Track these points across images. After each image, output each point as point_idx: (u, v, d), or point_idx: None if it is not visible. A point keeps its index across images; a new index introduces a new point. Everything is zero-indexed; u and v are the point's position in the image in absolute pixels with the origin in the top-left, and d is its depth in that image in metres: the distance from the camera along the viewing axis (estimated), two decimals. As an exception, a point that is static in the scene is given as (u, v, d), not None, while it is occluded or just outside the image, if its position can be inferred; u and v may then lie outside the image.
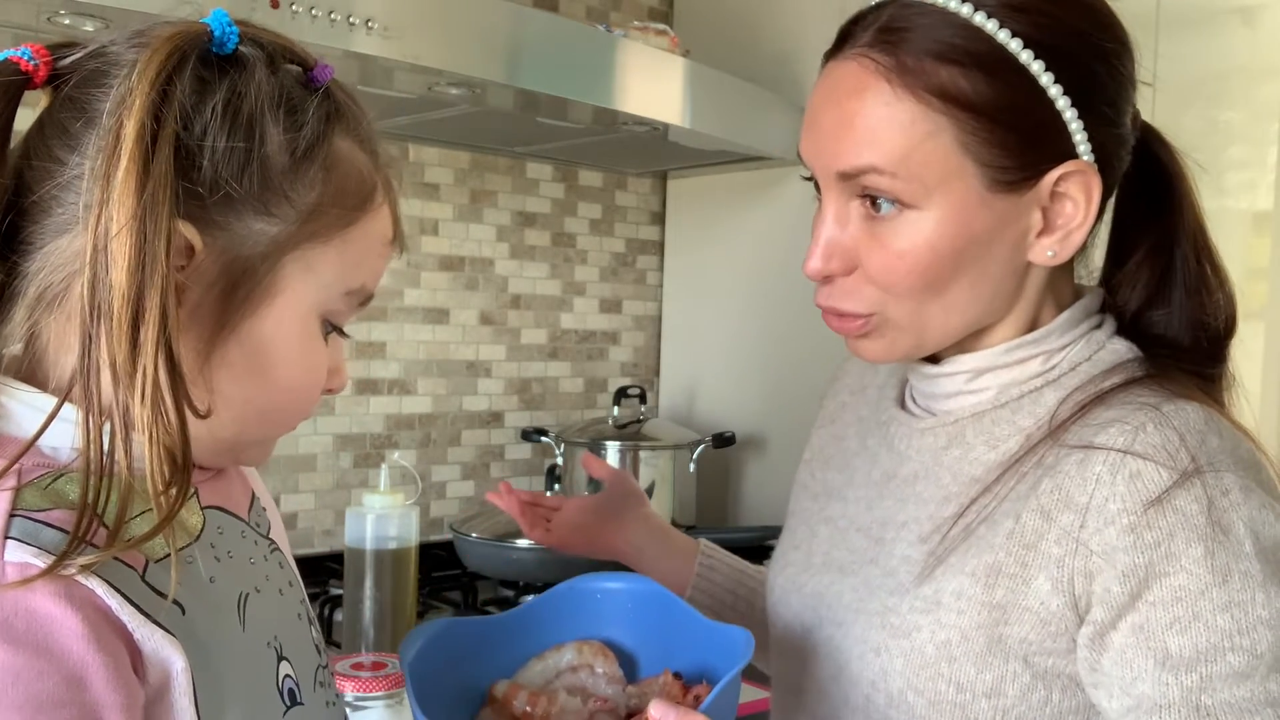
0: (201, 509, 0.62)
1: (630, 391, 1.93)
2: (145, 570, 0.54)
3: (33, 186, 0.56)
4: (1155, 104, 2.55)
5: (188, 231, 0.55)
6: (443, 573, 1.78)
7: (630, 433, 1.88)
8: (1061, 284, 0.77)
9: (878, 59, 0.69)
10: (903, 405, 0.83)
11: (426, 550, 1.65)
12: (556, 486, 1.72)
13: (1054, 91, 0.68)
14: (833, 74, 0.73)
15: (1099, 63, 0.71)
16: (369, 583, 1.35)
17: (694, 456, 1.87)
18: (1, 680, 0.48)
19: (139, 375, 0.51)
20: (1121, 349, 0.75)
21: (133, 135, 0.52)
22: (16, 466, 0.52)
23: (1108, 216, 0.78)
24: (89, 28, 1.14)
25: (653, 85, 1.59)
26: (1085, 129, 0.70)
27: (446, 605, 1.64)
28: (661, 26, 1.67)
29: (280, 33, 0.61)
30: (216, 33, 0.57)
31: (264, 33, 0.60)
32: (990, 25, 0.68)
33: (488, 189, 1.95)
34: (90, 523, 0.51)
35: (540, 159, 2.00)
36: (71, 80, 0.56)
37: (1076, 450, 0.68)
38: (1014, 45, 0.68)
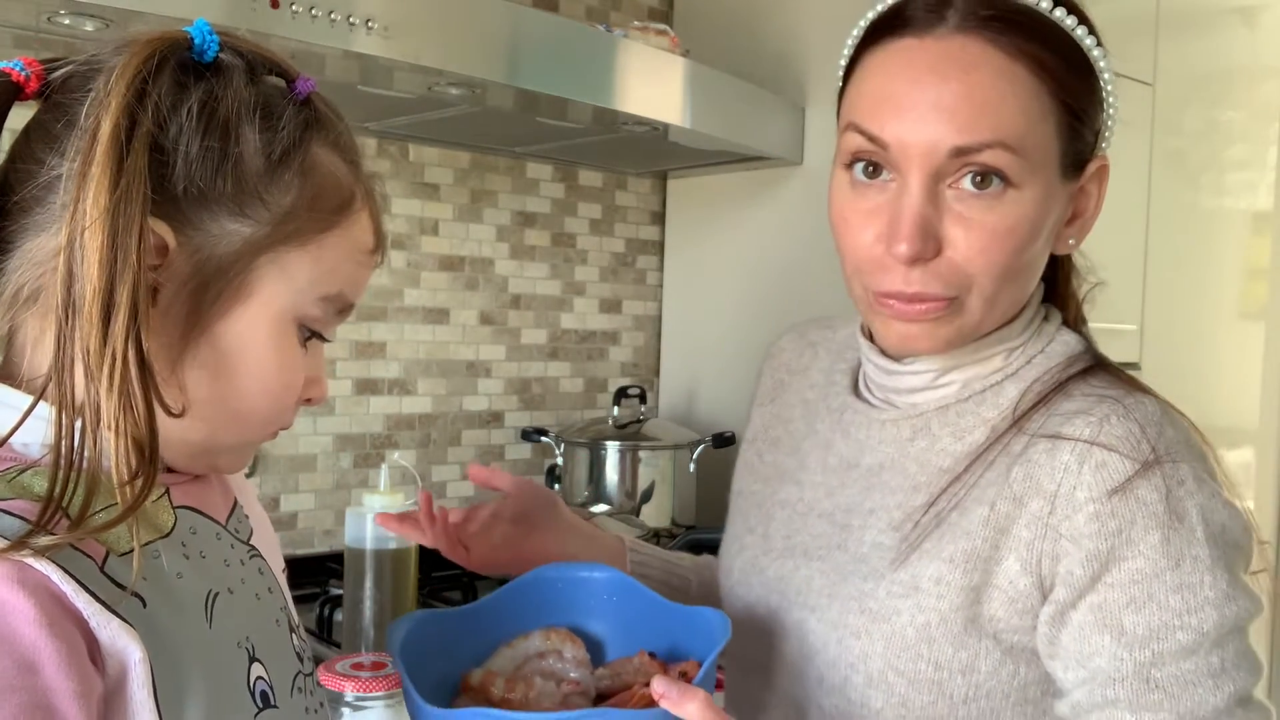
0: (174, 508, 0.62)
1: (630, 391, 1.93)
2: (104, 562, 0.54)
3: (15, 188, 0.57)
4: (1155, 104, 2.56)
5: (161, 230, 0.56)
6: (443, 573, 1.78)
7: (630, 433, 1.88)
8: None
9: (987, 36, 0.69)
10: (859, 395, 0.86)
11: (426, 550, 1.65)
12: (556, 486, 1.72)
13: (1109, 89, 0.74)
14: (926, 51, 0.71)
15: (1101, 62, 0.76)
16: (369, 583, 1.35)
17: (694, 456, 1.87)
18: None
19: (107, 367, 0.52)
20: (1071, 341, 0.80)
21: (108, 133, 0.53)
22: None
23: None
24: (89, 28, 1.14)
25: (653, 85, 1.59)
26: (1112, 119, 0.76)
27: (447, 605, 1.64)
28: (661, 26, 1.67)
29: (262, 45, 0.63)
30: (197, 40, 0.59)
31: (246, 43, 0.62)
32: (1080, 30, 0.72)
33: (488, 189, 1.95)
34: (54, 514, 0.51)
35: (540, 159, 2.00)
36: (63, 88, 0.58)
37: (1045, 440, 0.72)
38: (1089, 42, 0.73)
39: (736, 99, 1.76)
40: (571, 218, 2.08)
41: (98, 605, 0.52)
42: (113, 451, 0.53)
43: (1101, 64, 0.73)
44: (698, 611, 0.78)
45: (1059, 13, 0.71)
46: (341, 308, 0.64)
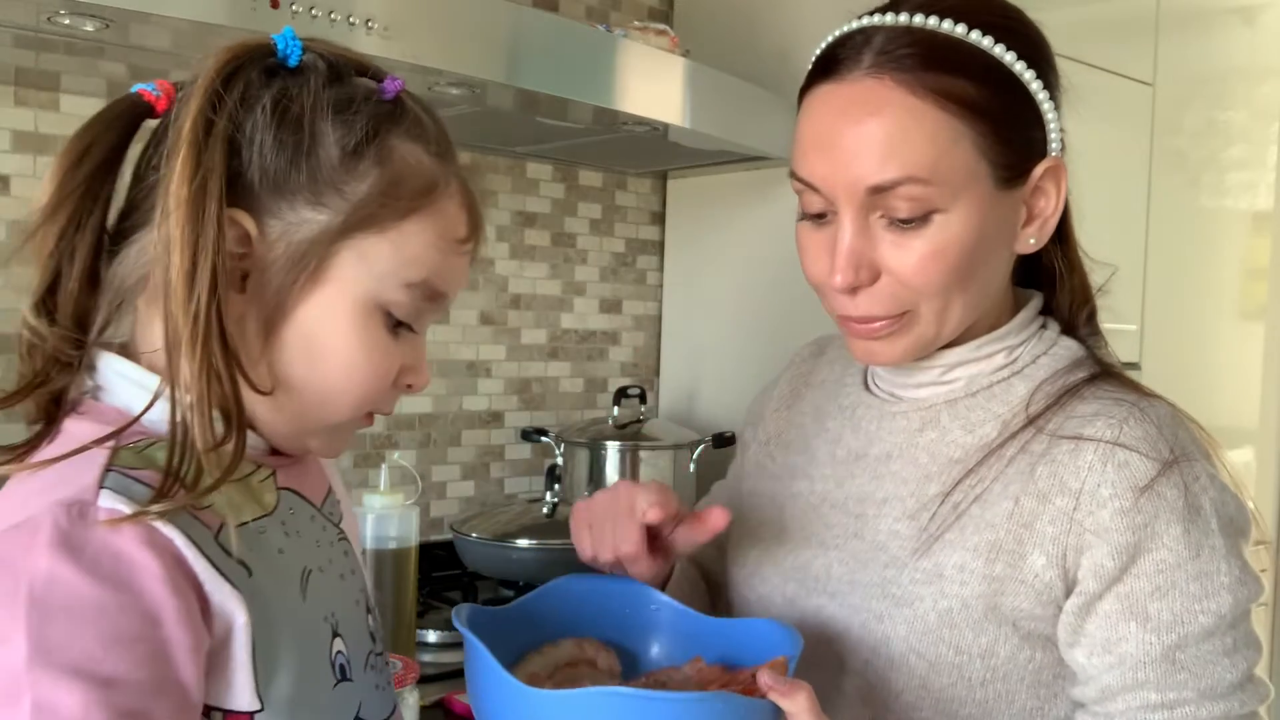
0: (277, 489, 0.67)
1: (630, 391, 1.93)
2: (219, 532, 0.59)
3: (137, 199, 0.64)
4: (1155, 104, 2.55)
5: (243, 219, 0.61)
6: (443, 573, 1.78)
7: (630, 433, 1.88)
8: (1008, 282, 0.87)
9: (893, 76, 0.75)
10: (868, 390, 0.92)
11: (426, 550, 1.65)
12: (556, 486, 1.72)
13: (1041, 96, 0.78)
14: (840, 95, 0.77)
15: (1054, 67, 0.81)
16: (369, 583, 1.35)
17: (694, 456, 1.87)
18: (87, 612, 0.53)
19: (188, 340, 0.57)
20: (1073, 346, 0.86)
21: (187, 130, 0.58)
22: (106, 430, 0.58)
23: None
24: (89, 28, 1.14)
25: (653, 85, 1.59)
26: (1058, 125, 0.80)
27: (446, 605, 1.64)
28: (661, 26, 1.67)
29: (350, 51, 0.68)
30: (280, 46, 0.64)
31: (332, 48, 0.67)
32: (986, 41, 0.76)
33: (488, 189, 1.95)
34: (173, 483, 0.57)
35: (540, 159, 2.00)
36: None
37: (1068, 440, 0.78)
38: (1009, 57, 0.76)
39: (736, 99, 1.76)
40: (571, 218, 2.08)
41: (212, 570, 0.58)
42: (195, 419, 0.58)
43: (1026, 75, 0.77)
44: (748, 623, 0.81)
45: (974, 35, 0.75)
46: (430, 295, 0.66)
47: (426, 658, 1.41)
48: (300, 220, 0.62)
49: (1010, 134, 0.76)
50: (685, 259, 2.18)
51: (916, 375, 0.87)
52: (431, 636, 1.46)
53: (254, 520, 0.63)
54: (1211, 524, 0.75)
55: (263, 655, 0.60)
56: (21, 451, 0.62)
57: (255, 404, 0.63)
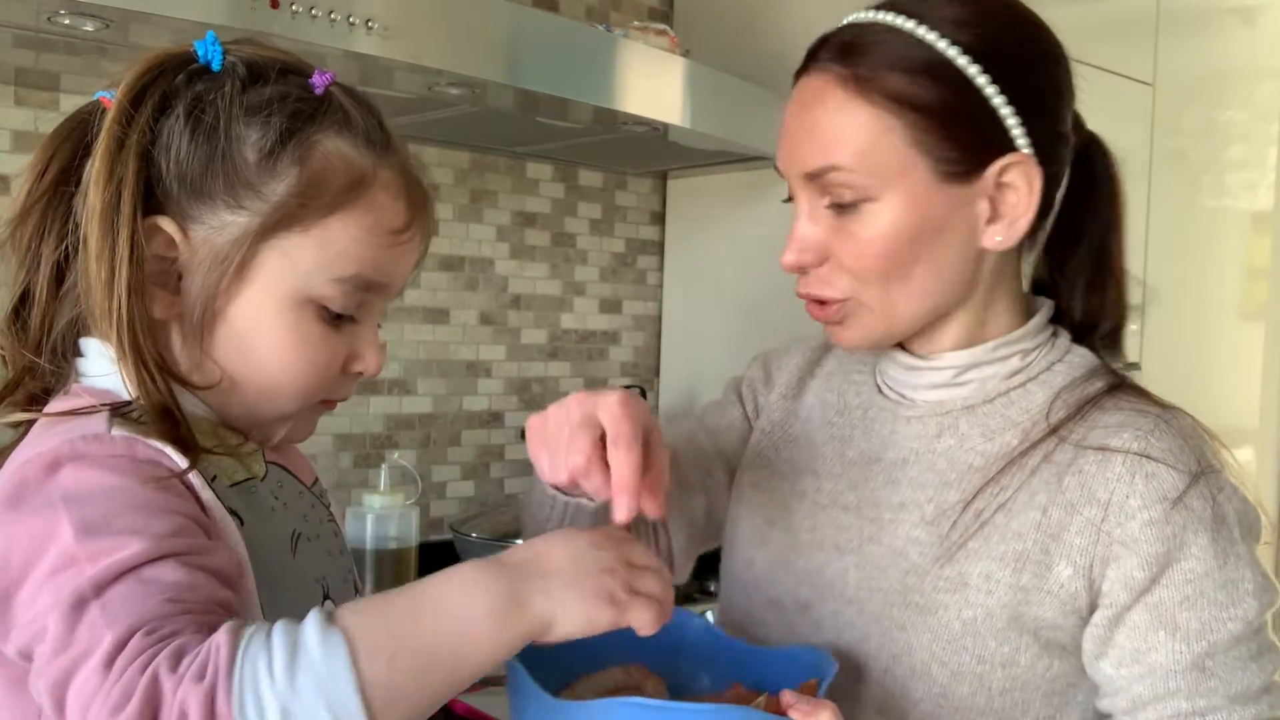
0: (266, 462, 0.70)
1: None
2: (213, 481, 0.62)
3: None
4: (1155, 104, 2.55)
5: (166, 225, 0.63)
6: (443, 573, 1.78)
7: (630, 433, 1.88)
8: (1014, 286, 0.86)
9: (836, 71, 0.79)
10: (880, 392, 0.90)
11: (426, 550, 1.65)
12: (556, 486, 1.72)
13: (990, 92, 0.77)
14: (799, 89, 0.82)
15: (1034, 67, 0.80)
16: (369, 583, 1.35)
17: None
18: (118, 496, 0.56)
19: (120, 345, 0.61)
20: (1088, 355, 0.86)
21: (103, 142, 0.61)
22: (100, 410, 0.62)
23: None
24: (89, 28, 1.14)
25: (653, 85, 1.59)
26: (1024, 125, 0.78)
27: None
28: (661, 26, 1.67)
29: (281, 48, 0.68)
30: (200, 52, 0.65)
31: (255, 48, 0.67)
32: (931, 36, 0.77)
33: (488, 189, 1.95)
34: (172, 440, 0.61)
35: (540, 159, 2.00)
36: None
37: (1094, 451, 0.78)
38: (952, 52, 0.77)
39: (736, 99, 1.76)
40: (571, 218, 2.08)
41: (217, 500, 0.61)
42: (147, 413, 0.61)
43: (971, 70, 0.76)
44: (784, 651, 0.80)
45: (921, 30, 0.77)
46: (366, 287, 0.67)
47: (426, 658, 1.41)
48: (221, 223, 0.63)
49: (951, 129, 0.76)
50: (685, 259, 2.18)
51: (927, 376, 0.86)
52: (431, 636, 1.46)
53: (245, 481, 0.66)
54: (1235, 533, 0.76)
55: (265, 599, 0.62)
56: (5, 450, 0.64)
57: (210, 396, 0.66)
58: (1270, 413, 2.57)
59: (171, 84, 0.64)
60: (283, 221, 0.64)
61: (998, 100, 0.77)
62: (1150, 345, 2.18)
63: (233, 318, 0.65)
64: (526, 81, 1.41)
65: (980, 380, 0.84)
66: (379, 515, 1.35)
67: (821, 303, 0.83)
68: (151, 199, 0.63)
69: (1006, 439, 0.82)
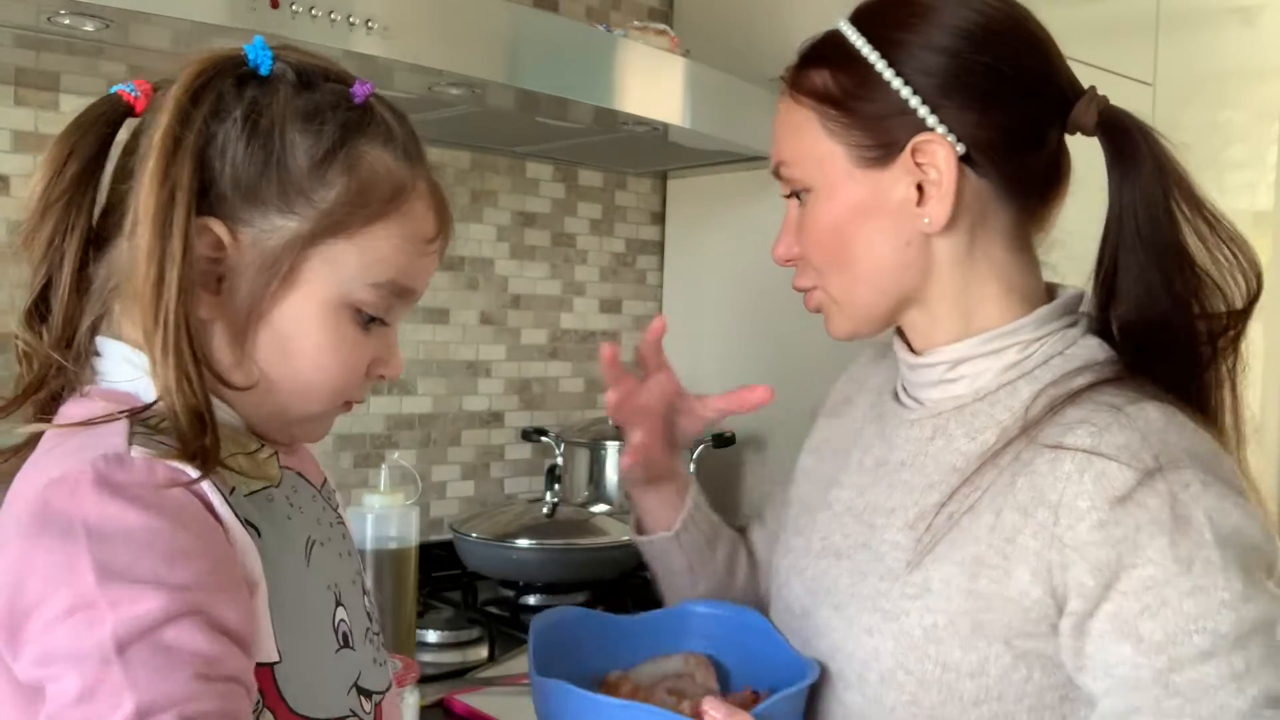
0: (280, 468, 0.71)
1: (630, 391, 1.92)
2: (231, 494, 0.63)
3: (114, 202, 0.66)
4: (1155, 104, 2.54)
5: (216, 227, 0.64)
6: (443, 573, 1.78)
7: (630, 433, 1.88)
8: (1013, 271, 0.84)
9: (790, 80, 0.87)
10: (897, 398, 0.91)
11: (426, 550, 1.65)
12: (556, 486, 1.72)
13: (888, 75, 0.80)
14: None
15: (960, 49, 0.80)
16: (369, 583, 1.35)
17: (694, 456, 1.87)
18: (142, 536, 0.56)
19: (164, 346, 0.60)
20: (1094, 346, 0.82)
21: (157, 142, 0.61)
22: (120, 418, 0.62)
23: (1099, 216, 0.83)
24: (89, 28, 1.14)
25: (653, 85, 1.59)
26: (931, 107, 0.79)
27: (446, 605, 1.64)
28: (661, 26, 1.67)
29: (323, 56, 0.70)
30: (250, 56, 0.65)
31: (302, 55, 0.68)
32: (845, 28, 0.83)
33: (488, 189, 1.95)
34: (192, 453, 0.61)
35: (540, 159, 2.00)
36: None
37: (1048, 449, 0.74)
38: (859, 42, 0.82)
39: (736, 99, 1.76)
40: (571, 218, 2.08)
41: (235, 517, 0.61)
42: (180, 415, 0.61)
43: (865, 49, 0.81)
44: (800, 658, 0.85)
45: (842, 24, 0.84)
46: (399, 293, 0.70)
47: (426, 658, 1.41)
48: (272, 227, 0.65)
49: (856, 113, 0.81)
50: (685, 259, 2.18)
51: (924, 374, 0.86)
52: (431, 636, 1.46)
53: (262, 489, 0.67)
54: (1205, 535, 0.69)
55: (275, 612, 0.63)
56: (19, 449, 0.65)
57: (238, 398, 0.67)
58: (1270, 413, 2.57)
59: (225, 87, 0.65)
60: (330, 228, 0.66)
61: (896, 82, 0.80)
62: (1150, 345, 2.18)
63: (276, 320, 0.66)
64: (526, 81, 1.41)
65: (973, 375, 0.83)
66: (379, 515, 1.34)
67: (801, 291, 0.90)
68: (202, 200, 0.63)
69: (987, 438, 0.80)
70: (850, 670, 0.80)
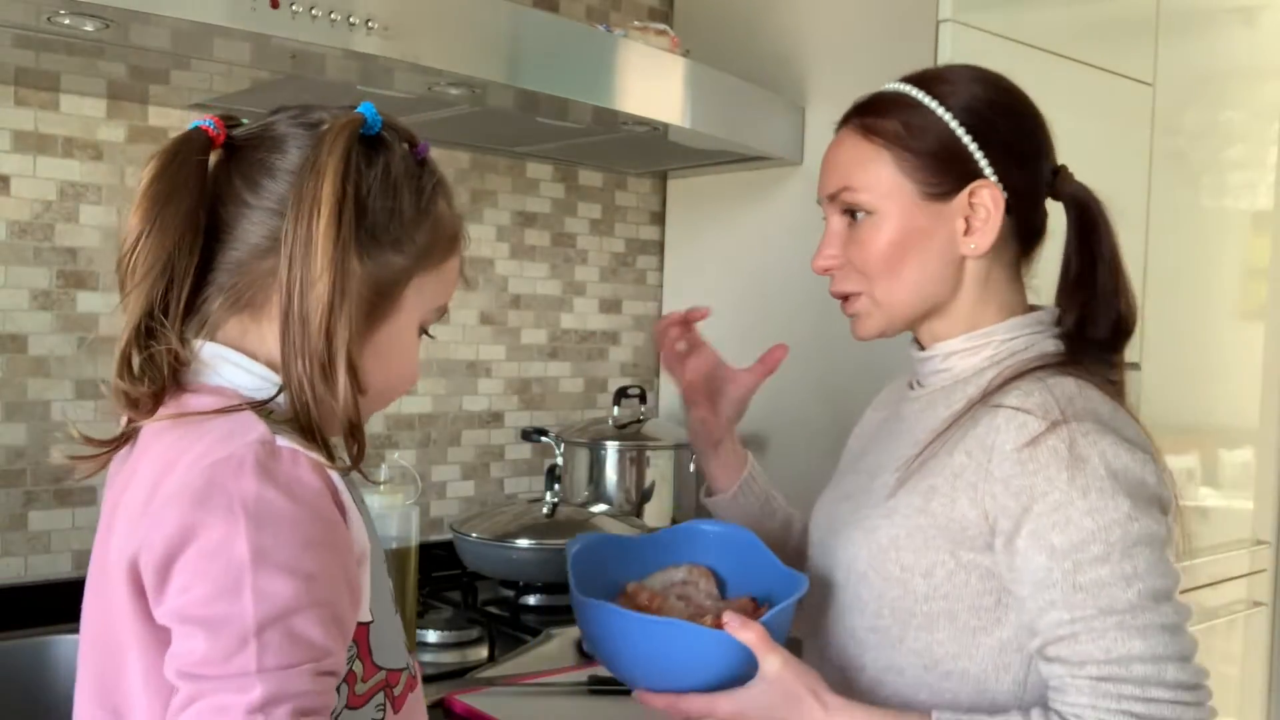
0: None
1: (630, 391, 1.93)
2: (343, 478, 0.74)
3: (227, 222, 0.76)
4: (1155, 104, 2.54)
5: (353, 261, 0.76)
6: (443, 573, 1.78)
7: (630, 433, 1.88)
8: (1010, 293, 1.07)
9: (855, 122, 1.06)
10: (910, 386, 1.14)
11: (426, 550, 1.65)
12: (556, 486, 1.72)
13: (961, 134, 1.02)
14: (833, 140, 1.09)
15: (1005, 123, 1.04)
16: (369, 583, 1.35)
17: (694, 456, 1.87)
18: (286, 522, 0.67)
19: (330, 366, 0.72)
20: (1049, 345, 1.04)
21: (330, 199, 0.72)
22: (245, 408, 0.73)
23: (1057, 251, 1.07)
24: (89, 28, 1.14)
25: (653, 85, 1.59)
26: (991, 163, 1.02)
27: (446, 605, 1.64)
28: (661, 26, 1.67)
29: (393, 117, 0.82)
30: (369, 119, 0.78)
31: (390, 118, 0.81)
32: (921, 95, 1.04)
33: (488, 189, 1.95)
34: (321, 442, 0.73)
35: (540, 159, 2.00)
36: (252, 145, 0.78)
37: (991, 409, 0.98)
38: (933, 104, 1.03)
39: (736, 99, 1.76)
40: (571, 218, 2.08)
41: (351, 501, 0.74)
42: (341, 419, 0.73)
43: (946, 117, 1.02)
44: (792, 572, 1.05)
45: (918, 94, 1.03)
46: (441, 312, 0.85)
47: (426, 658, 1.41)
48: (386, 262, 0.78)
49: (930, 161, 1.01)
50: (685, 259, 2.18)
51: (926, 365, 1.10)
52: (431, 636, 1.46)
53: (347, 471, 0.77)
54: (1099, 470, 0.91)
55: (371, 584, 0.75)
56: (123, 439, 0.78)
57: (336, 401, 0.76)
58: (1270, 413, 2.57)
59: (361, 146, 0.76)
60: (422, 265, 0.80)
61: (966, 139, 1.02)
62: (1150, 345, 2.18)
63: (378, 339, 0.79)
64: (526, 81, 1.41)
65: (959, 364, 1.06)
66: (379, 515, 1.34)
67: (845, 300, 1.07)
68: None
69: (959, 407, 1.02)
70: (839, 573, 1.05)
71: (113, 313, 1.56)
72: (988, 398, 0.99)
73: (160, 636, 0.69)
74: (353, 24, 1.22)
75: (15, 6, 1.10)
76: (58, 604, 1.40)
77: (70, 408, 1.53)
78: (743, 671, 0.94)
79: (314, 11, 1.18)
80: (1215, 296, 2.41)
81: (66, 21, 1.13)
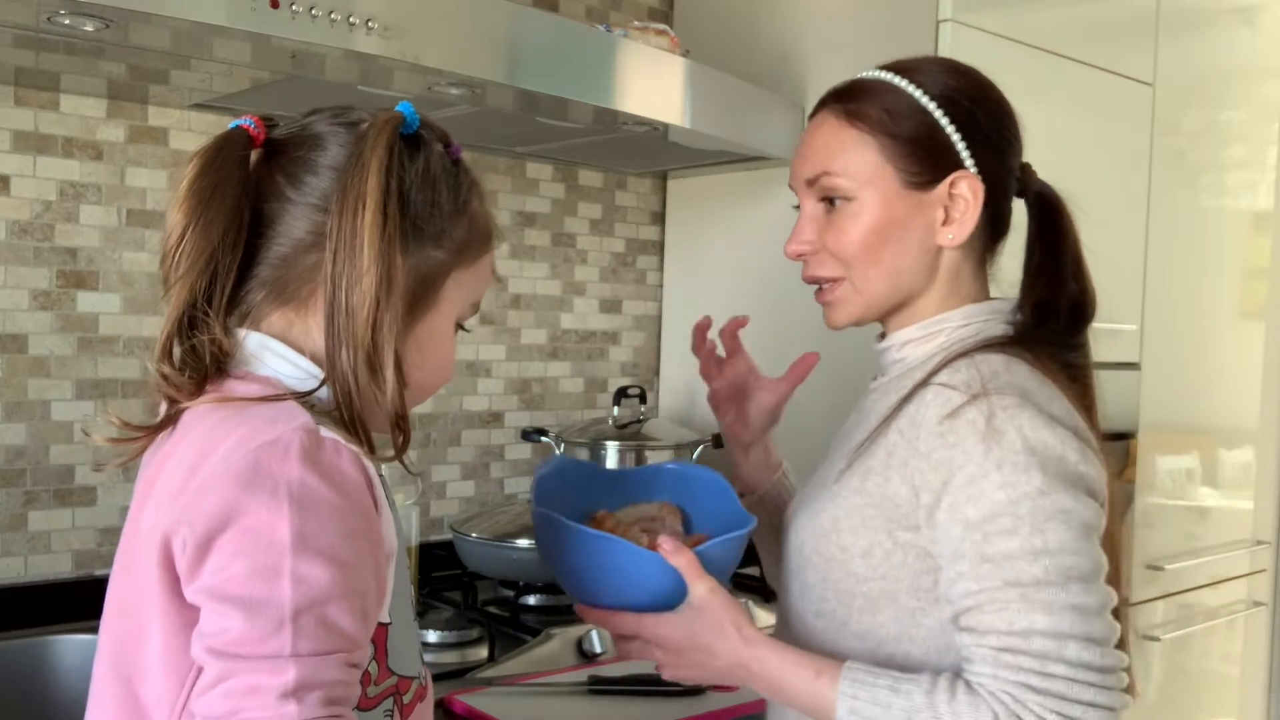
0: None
1: (630, 391, 1.93)
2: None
3: (269, 217, 0.78)
4: (1155, 104, 2.54)
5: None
6: (443, 573, 1.78)
7: (630, 433, 1.88)
8: (974, 285, 1.07)
9: (834, 107, 1.05)
10: (874, 378, 1.14)
11: (426, 550, 1.65)
12: (556, 486, 1.72)
13: (945, 123, 1.01)
14: (809, 123, 1.08)
15: (984, 114, 1.03)
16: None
17: (694, 457, 1.87)
18: (328, 510, 0.68)
19: (377, 358, 0.74)
20: (997, 331, 1.04)
21: (375, 193, 0.74)
22: (289, 398, 0.74)
23: (1019, 243, 1.08)
24: (89, 28, 1.14)
25: (653, 85, 1.59)
26: (972, 154, 1.01)
27: (446, 605, 1.64)
28: (661, 26, 1.67)
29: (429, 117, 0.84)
30: (409, 118, 0.79)
31: (428, 119, 0.82)
32: (909, 86, 1.02)
33: (488, 189, 1.94)
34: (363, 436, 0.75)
35: (540, 159, 2.00)
36: (293, 143, 0.79)
37: (924, 387, 0.98)
38: (924, 99, 1.02)
39: (736, 99, 1.76)
40: (571, 218, 2.08)
41: (385, 498, 0.74)
42: (387, 411, 0.75)
43: (930, 105, 1.01)
44: (748, 515, 1.10)
45: (902, 82, 1.02)
46: (475, 308, 0.87)
47: (427, 658, 1.41)
48: (426, 257, 0.79)
49: (913, 149, 1.00)
50: (685, 259, 2.18)
51: (885, 355, 1.09)
52: (431, 636, 1.46)
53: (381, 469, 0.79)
54: (1016, 445, 0.90)
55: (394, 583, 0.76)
56: (151, 429, 0.79)
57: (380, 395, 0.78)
58: (1270, 413, 2.57)
59: (403, 144, 0.78)
60: (460, 260, 0.81)
61: (950, 129, 1.01)
62: (1150, 345, 2.18)
63: (419, 333, 0.80)
64: (526, 81, 1.41)
65: (914, 352, 1.06)
66: (379, 515, 1.35)
67: (819, 287, 1.06)
68: None
69: (906, 393, 1.02)
70: (791, 560, 1.07)
71: (115, 314, 1.56)
72: (928, 379, 0.99)
73: (186, 617, 0.69)
74: (353, 24, 1.22)
75: (15, 6, 1.10)
76: (58, 604, 1.41)
77: (70, 408, 1.53)
78: (675, 598, 0.98)
79: (314, 11, 1.18)
80: (1215, 296, 2.41)
81: (66, 21, 1.13)
